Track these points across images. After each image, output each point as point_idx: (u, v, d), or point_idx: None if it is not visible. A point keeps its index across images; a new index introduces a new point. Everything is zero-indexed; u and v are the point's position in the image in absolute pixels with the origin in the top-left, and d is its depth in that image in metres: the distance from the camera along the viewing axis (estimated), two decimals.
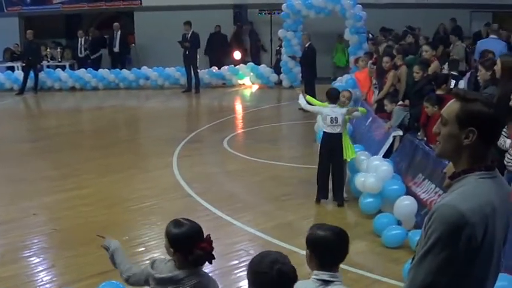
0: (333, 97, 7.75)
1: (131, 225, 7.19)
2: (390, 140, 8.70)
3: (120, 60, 20.25)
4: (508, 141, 5.67)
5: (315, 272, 2.93)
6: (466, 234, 2.19)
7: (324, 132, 7.77)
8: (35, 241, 6.62)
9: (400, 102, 9.14)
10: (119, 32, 20.11)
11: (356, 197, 7.66)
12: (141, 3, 21.63)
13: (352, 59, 16.57)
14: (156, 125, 13.73)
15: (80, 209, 7.68)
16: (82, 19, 23.21)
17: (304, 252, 3.05)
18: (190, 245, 3.15)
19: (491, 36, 11.84)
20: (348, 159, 7.83)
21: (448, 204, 2.26)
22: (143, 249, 6.33)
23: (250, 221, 7.12)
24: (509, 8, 19.89)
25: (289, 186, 8.54)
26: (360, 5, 16.52)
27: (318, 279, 2.91)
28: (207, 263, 3.22)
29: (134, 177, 9.23)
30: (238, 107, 17.07)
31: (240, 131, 13.25)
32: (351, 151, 7.81)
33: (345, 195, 7.84)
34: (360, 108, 8.30)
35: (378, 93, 10.30)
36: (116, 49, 20.16)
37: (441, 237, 2.21)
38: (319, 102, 8.37)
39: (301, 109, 9.27)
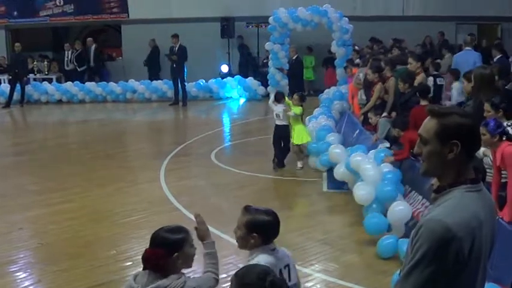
0: (277, 98, 10.04)
1: (118, 239, 7.14)
2: None
3: (98, 73, 20.38)
4: (482, 149, 5.67)
5: (262, 247, 3.35)
6: (453, 249, 2.18)
7: (275, 124, 10.10)
8: (21, 256, 6.56)
9: (385, 114, 9.18)
10: (93, 47, 20.30)
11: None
12: (128, 16, 21.59)
13: (338, 71, 16.56)
14: (143, 138, 13.69)
15: (66, 223, 7.62)
16: (69, 32, 23.15)
17: None
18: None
19: (466, 48, 12.04)
20: (300, 143, 10.06)
21: (435, 218, 2.25)
22: (130, 263, 6.27)
23: None
24: (492, 20, 20.16)
25: (277, 199, 8.54)
26: (347, 18, 16.58)
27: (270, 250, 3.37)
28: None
29: (121, 191, 9.18)
30: (226, 120, 17.07)
31: (227, 143, 13.24)
32: (305, 136, 10.08)
33: (299, 165, 10.09)
34: (294, 108, 9.95)
35: (365, 106, 10.33)
36: (91, 63, 20.31)
37: (428, 251, 2.19)
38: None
39: None
